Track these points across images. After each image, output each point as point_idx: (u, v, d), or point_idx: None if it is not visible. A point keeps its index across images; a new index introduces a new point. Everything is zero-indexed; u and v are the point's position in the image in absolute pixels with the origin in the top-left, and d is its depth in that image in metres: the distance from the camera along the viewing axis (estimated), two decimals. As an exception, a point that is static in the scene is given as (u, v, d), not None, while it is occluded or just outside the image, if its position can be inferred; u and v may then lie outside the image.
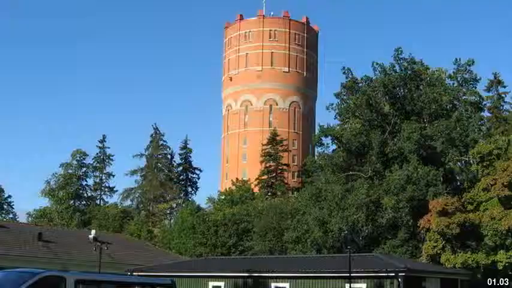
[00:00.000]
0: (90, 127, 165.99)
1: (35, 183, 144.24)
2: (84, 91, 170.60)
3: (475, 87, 54.40)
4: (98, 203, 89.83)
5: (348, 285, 29.62)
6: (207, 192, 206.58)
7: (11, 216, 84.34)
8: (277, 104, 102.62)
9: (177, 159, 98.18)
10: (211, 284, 35.89)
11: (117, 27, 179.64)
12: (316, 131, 58.09)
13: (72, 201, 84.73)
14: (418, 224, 42.10)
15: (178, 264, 41.57)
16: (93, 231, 51.23)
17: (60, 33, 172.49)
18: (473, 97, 53.53)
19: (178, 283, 26.75)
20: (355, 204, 43.92)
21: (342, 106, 53.15)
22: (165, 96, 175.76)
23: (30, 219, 79.37)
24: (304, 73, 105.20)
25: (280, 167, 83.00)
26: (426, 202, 42.42)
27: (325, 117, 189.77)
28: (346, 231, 43.89)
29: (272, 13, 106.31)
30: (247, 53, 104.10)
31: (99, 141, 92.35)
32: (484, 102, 60.44)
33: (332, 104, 53.65)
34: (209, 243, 61.42)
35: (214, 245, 61.23)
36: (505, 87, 72.18)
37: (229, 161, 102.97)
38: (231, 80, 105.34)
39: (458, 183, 49.23)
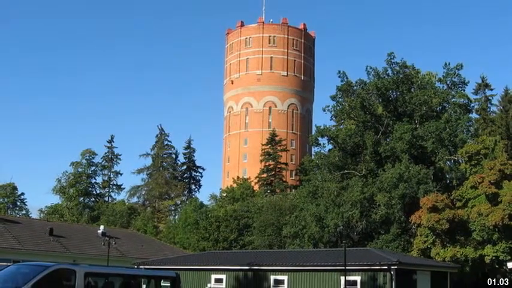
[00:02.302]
0: (99, 128, 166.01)
1: (46, 182, 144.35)
2: (94, 94, 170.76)
3: (464, 90, 54.41)
4: (106, 200, 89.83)
5: (343, 277, 29.65)
6: (209, 189, 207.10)
7: (24, 212, 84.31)
8: (276, 106, 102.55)
9: (181, 159, 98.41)
10: (213, 276, 35.91)
11: (127, 34, 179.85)
12: (313, 132, 58.11)
13: (81, 198, 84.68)
14: (410, 220, 42.08)
15: (182, 258, 41.56)
16: (101, 227, 51.42)
17: (71, 39, 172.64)
18: (462, 99, 53.49)
19: (182, 276, 26.79)
20: (350, 201, 43.93)
21: (338, 108, 53.17)
22: (170, 98, 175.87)
23: (42, 215, 79.37)
24: (302, 77, 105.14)
25: (279, 166, 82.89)
26: (417, 199, 42.40)
27: (321, 118, 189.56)
28: (342, 227, 43.90)
29: (271, 20, 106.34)
30: (247, 58, 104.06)
31: (108, 142, 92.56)
32: (472, 105, 60.42)
33: (328, 106, 53.75)
34: (211, 238, 61.39)
35: (216, 239, 61.21)
36: (492, 90, 72.19)
37: (231, 160, 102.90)
38: (232, 83, 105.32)
39: (448, 181, 49.20)
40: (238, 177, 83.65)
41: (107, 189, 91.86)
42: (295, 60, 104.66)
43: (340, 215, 43.73)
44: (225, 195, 75.89)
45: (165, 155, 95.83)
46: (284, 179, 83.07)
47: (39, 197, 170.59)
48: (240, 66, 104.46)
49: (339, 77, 52.93)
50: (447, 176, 49.41)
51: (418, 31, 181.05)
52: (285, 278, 33.05)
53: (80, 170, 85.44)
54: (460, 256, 38.86)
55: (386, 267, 29.81)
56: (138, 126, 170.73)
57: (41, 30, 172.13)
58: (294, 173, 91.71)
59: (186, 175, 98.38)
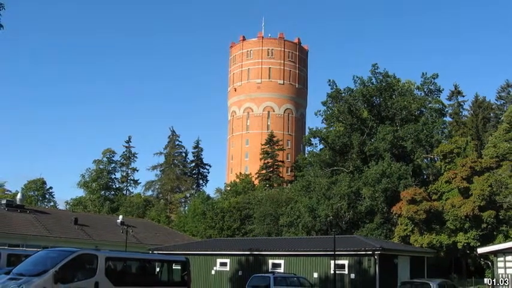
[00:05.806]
0: (118, 130, 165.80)
1: (72, 177, 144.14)
2: (114, 100, 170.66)
3: (439, 97, 54.41)
4: (125, 193, 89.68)
5: (333, 261, 29.68)
6: (215, 184, 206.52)
7: (52, 204, 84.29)
8: (274, 111, 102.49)
9: (190, 157, 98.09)
10: (218, 260, 35.95)
11: (144, 49, 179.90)
12: (307, 133, 58.04)
13: (103, 192, 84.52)
14: (391, 211, 42.12)
15: (191, 244, 41.60)
16: (120, 217, 51.50)
17: (98, 53, 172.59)
18: (437, 105, 53.47)
19: (192, 260, 26.80)
20: (339, 194, 43.94)
21: (328, 112, 53.09)
22: (181, 104, 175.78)
23: (68, 206, 79.29)
24: (296, 85, 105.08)
25: (276, 163, 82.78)
26: (398, 192, 42.45)
27: (313, 121, 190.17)
28: (331, 217, 43.97)
29: (270, 35, 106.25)
30: (249, 68, 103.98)
31: (126, 142, 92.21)
32: (446, 109, 60.51)
33: (319, 111, 53.60)
34: (217, 226, 61.40)
35: (221, 228, 61.22)
36: (463, 96, 72.38)
37: (234, 158, 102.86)
38: (235, 90, 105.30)
39: (425, 177, 49.23)
40: (240, 173, 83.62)
41: (125, 184, 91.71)
42: (290, 70, 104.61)
43: (330, 207, 43.76)
44: (229, 189, 75.86)
45: (176, 154, 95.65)
46: (281, 175, 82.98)
47: (66, 191, 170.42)
48: (242, 76, 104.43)
49: (329, 85, 52.91)
50: (424, 172, 49.44)
51: (399, 45, 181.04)
52: (281, 261, 33.10)
53: (101, 166, 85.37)
54: (436, 242, 38.94)
55: (370, 252, 29.86)
56: (152, 128, 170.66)
57: (68, 44, 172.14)
58: (289, 169, 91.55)
59: (194, 171, 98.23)
